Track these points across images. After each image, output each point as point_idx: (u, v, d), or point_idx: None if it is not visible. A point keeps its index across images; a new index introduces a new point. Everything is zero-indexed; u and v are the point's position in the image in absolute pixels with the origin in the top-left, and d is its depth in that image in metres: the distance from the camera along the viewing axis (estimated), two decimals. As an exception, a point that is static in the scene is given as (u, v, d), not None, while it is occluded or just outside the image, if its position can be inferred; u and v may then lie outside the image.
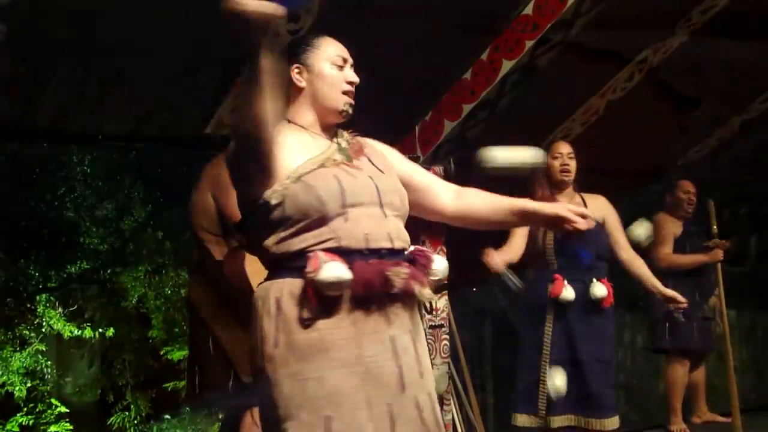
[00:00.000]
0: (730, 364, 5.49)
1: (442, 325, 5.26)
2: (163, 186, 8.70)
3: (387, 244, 2.07)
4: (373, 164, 2.22)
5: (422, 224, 5.32)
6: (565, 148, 4.29)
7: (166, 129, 4.77)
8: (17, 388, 8.49)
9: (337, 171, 2.09)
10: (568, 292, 4.04)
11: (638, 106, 5.79)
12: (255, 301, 2.07)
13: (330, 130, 2.26)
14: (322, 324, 1.98)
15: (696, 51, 5.43)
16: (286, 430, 1.93)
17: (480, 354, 7.78)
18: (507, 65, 4.45)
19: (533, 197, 4.16)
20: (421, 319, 2.26)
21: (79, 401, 9.48)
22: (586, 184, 4.43)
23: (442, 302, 5.28)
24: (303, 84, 2.21)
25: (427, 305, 2.26)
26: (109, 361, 9.65)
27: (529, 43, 4.32)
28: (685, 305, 4.33)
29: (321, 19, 3.98)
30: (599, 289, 4.09)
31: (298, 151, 2.11)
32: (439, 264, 2.17)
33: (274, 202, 2.03)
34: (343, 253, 2.00)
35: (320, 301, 1.97)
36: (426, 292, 2.08)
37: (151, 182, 8.79)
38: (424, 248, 2.20)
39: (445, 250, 5.28)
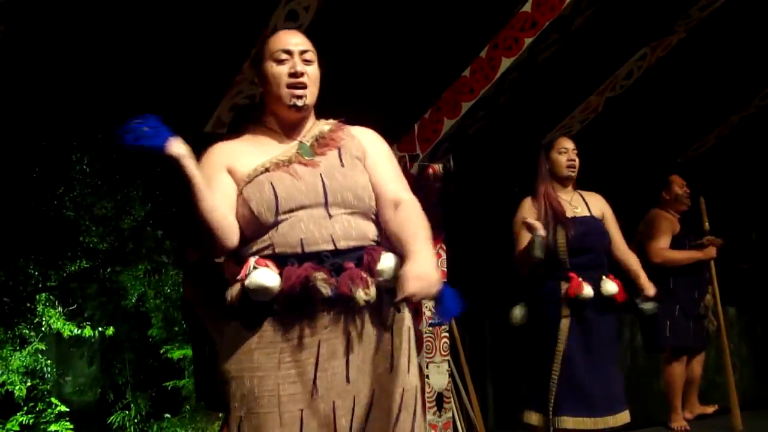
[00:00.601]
0: (727, 361, 5.50)
1: (441, 323, 5.26)
2: (161, 185, 8.69)
3: (328, 246, 2.06)
4: (340, 158, 2.20)
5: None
6: (569, 144, 4.23)
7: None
8: (17, 388, 8.47)
9: (277, 176, 2.10)
10: (587, 290, 4.01)
11: (637, 103, 5.80)
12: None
13: (300, 125, 2.25)
14: (249, 328, 2.05)
15: (694, 48, 5.44)
16: (226, 421, 2.12)
17: (480, 351, 7.78)
18: (506, 63, 4.45)
19: (537, 193, 4.14)
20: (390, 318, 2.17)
21: (79, 400, 9.47)
22: (584, 181, 4.43)
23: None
24: (261, 89, 2.25)
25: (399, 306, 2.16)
26: (109, 360, 9.64)
27: (528, 41, 4.32)
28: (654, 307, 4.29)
29: (319, 17, 3.98)
30: (611, 286, 4.07)
31: (251, 157, 2.16)
32: (385, 263, 2.08)
33: None
34: (278, 260, 2.04)
35: (236, 306, 2.06)
36: (360, 294, 2.02)
37: (150, 181, 8.78)
38: (375, 247, 2.13)
39: (444, 247, 5.28)
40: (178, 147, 1.92)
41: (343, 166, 2.17)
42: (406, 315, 2.22)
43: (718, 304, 5.41)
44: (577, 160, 4.20)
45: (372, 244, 2.15)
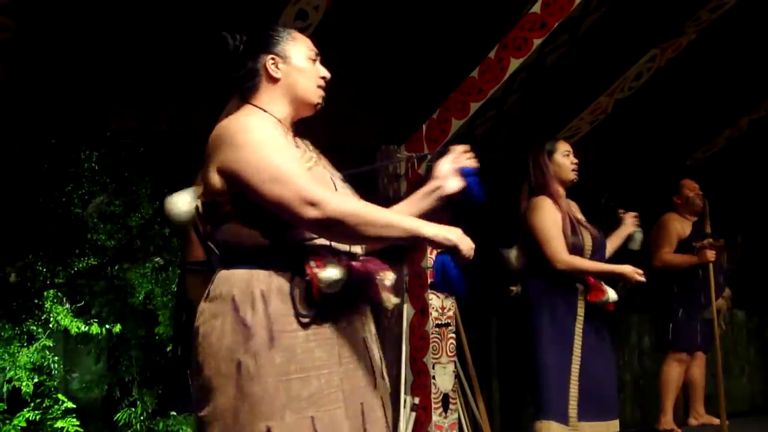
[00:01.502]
0: (718, 366, 5.47)
1: (448, 324, 5.26)
2: (170, 183, 8.70)
3: (356, 249, 2.10)
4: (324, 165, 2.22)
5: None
6: (569, 147, 4.18)
7: (174, 126, 4.79)
8: (24, 384, 8.50)
9: (323, 170, 2.13)
10: (612, 293, 3.96)
11: (646, 105, 5.79)
12: (225, 291, 1.98)
13: (292, 126, 2.21)
14: (309, 323, 1.97)
15: (704, 50, 5.42)
16: (269, 429, 1.88)
17: (486, 353, 7.77)
18: (515, 63, 4.45)
19: (547, 191, 4.06)
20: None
21: (85, 397, 9.49)
22: (592, 183, 4.42)
23: (448, 301, 5.28)
24: (279, 75, 2.13)
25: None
26: (116, 357, 9.65)
27: (537, 42, 4.31)
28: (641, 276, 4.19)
29: (328, 17, 3.97)
30: (613, 292, 4.07)
31: (287, 142, 2.08)
32: (390, 275, 2.10)
33: None
34: (334, 254, 2.00)
35: (317, 300, 1.95)
36: (392, 300, 2.06)
37: (158, 179, 8.79)
38: (373, 259, 2.13)
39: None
40: None
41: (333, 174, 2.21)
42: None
43: (713, 308, 5.35)
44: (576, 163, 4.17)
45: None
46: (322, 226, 1.91)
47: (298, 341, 1.93)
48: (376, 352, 2.14)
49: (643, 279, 3.90)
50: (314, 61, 2.18)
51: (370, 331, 2.14)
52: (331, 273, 1.94)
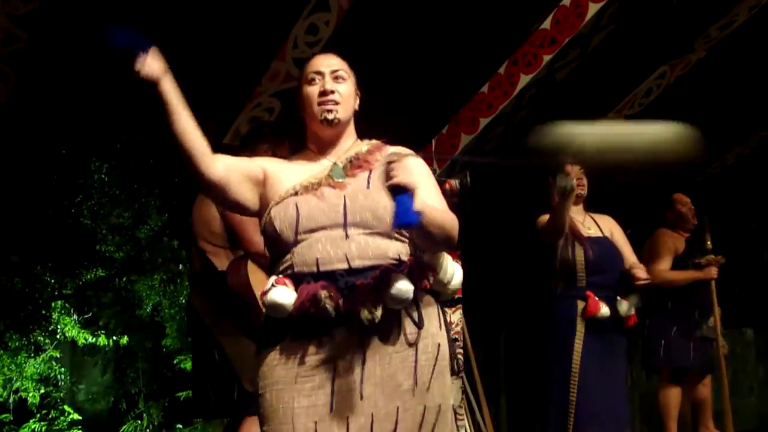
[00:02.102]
0: (724, 384, 5.38)
1: (456, 339, 5.24)
2: (179, 195, 8.73)
3: (342, 265, 2.11)
4: (368, 179, 2.24)
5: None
6: (576, 165, 4.25)
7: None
8: (31, 394, 8.52)
9: (303, 198, 2.19)
10: (604, 309, 4.00)
11: (656, 121, 5.77)
12: None
13: (335, 143, 2.34)
14: (275, 342, 2.14)
15: (714, 67, 5.42)
16: None
17: (494, 367, 7.75)
18: (524, 79, 4.46)
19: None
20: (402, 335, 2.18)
21: (91, 408, 9.51)
22: (601, 201, 4.42)
23: (456, 316, 5.27)
24: (302, 113, 2.35)
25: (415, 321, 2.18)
26: (123, 369, 9.68)
27: (546, 58, 4.32)
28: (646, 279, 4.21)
29: (338, 32, 3.99)
30: (626, 306, 4.07)
31: (288, 176, 2.26)
32: (396, 288, 2.08)
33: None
34: (296, 278, 2.12)
35: (270, 322, 2.16)
36: (364, 314, 2.05)
37: (167, 191, 8.83)
38: (393, 268, 2.11)
39: (461, 262, 5.27)
40: (157, 62, 2.17)
41: (368, 187, 2.21)
42: (437, 332, 2.22)
43: (718, 326, 5.28)
44: (585, 179, 4.22)
45: (392, 262, 2.15)
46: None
47: (266, 360, 2.14)
48: (357, 370, 2.10)
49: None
50: (313, 81, 2.30)
51: (350, 349, 2.11)
52: (269, 297, 2.09)
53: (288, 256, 2.15)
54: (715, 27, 5.03)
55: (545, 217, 4.17)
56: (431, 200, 2.23)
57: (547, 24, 4.29)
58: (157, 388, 9.46)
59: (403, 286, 2.09)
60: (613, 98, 5.52)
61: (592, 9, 4.04)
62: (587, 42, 4.29)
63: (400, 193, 1.98)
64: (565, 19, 4.19)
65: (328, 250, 2.12)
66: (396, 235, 2.19)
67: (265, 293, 2.11)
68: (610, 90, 5.43)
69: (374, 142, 2.37)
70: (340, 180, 2.23)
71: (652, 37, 4.95)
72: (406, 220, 1.97)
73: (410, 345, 2.15)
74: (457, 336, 5.27)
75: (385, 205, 2.13)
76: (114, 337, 9.04)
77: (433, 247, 2.22)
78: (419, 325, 2.16)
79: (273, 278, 2.13)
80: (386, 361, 2.12)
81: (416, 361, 2.15)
